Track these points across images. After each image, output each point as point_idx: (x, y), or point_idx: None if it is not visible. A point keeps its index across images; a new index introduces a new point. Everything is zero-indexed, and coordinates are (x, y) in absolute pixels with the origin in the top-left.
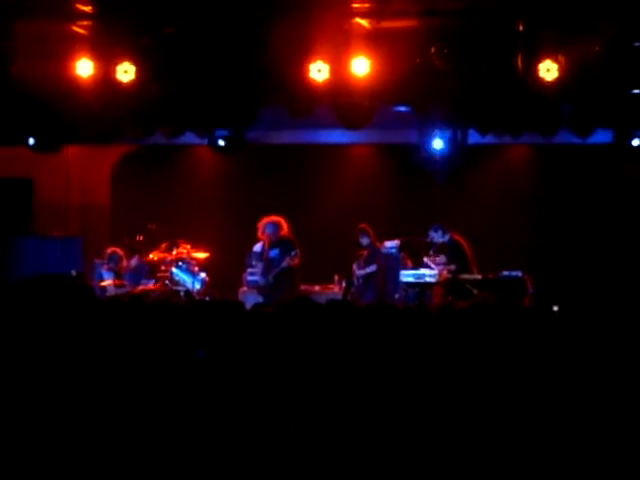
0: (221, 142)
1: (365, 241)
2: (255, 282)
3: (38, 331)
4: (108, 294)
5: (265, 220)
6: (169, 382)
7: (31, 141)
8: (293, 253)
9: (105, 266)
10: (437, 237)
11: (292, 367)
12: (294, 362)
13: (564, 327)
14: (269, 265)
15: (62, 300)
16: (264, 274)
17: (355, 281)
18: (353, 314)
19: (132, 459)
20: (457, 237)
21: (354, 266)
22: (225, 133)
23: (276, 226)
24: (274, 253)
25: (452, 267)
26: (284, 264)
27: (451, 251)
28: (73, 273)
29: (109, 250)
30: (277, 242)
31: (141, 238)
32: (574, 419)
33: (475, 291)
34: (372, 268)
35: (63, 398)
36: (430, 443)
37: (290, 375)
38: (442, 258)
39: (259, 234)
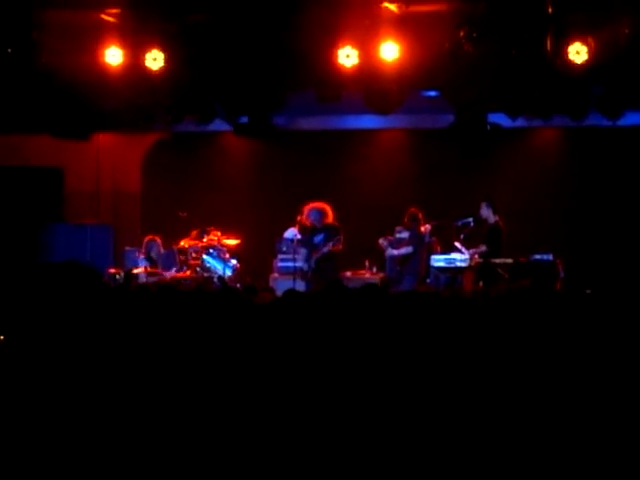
0: (250, 128)
1: (410, 225)
2: (295, 268)
3: (42, 319)
4: (139, 282)
5: (311, 206)
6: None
7: (61, 130)
8: (336, 239)
9: (141, 254)
10: (486, 214)
11: (319, 352)
12: (322, 347)
13: (598, 312)
14: (313, 251)
15: (68, 288)
16: (307, 260)
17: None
18: (384, 300)
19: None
20: (501, 222)
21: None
22: (254, 119)
23: (321, 213)
24: (319, 239)
25: (483, 248)
26: (325, 249)
27: (491, 233)
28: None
29: (147, 238)
30: (322, 228)
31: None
32: (609, 405)
33: (506, 275)
34: (407, 250)
35: (69, 389)
36: (462, 428)
37: (320, 358)
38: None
39: (302, 218)
